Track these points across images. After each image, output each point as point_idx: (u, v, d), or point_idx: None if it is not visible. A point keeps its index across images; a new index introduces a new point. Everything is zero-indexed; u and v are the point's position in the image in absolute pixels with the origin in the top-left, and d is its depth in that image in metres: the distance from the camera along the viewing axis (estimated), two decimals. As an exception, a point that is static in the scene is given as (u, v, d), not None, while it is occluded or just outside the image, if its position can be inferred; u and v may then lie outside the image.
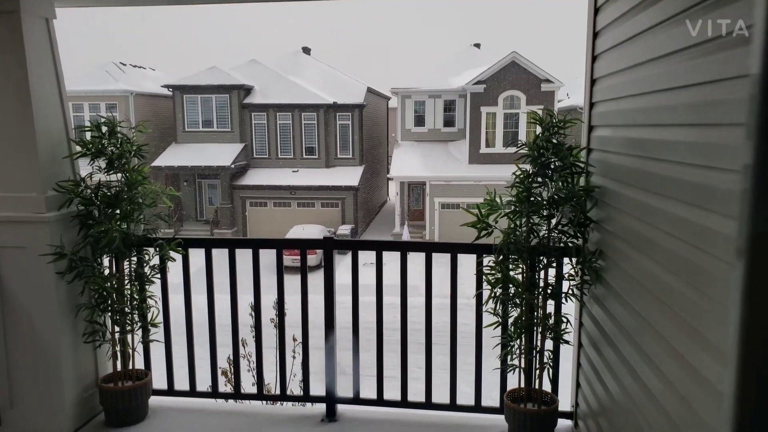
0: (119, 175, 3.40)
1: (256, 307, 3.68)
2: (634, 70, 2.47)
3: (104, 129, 3.37)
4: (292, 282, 3.54)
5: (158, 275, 3.54)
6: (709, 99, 1.78)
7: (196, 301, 3.69)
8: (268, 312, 3.74)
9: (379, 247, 3.46)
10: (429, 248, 3.43)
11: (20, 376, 3.33)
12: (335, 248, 3.46)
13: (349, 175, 25.70)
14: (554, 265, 3.09)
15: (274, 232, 23.73)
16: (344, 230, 24.06)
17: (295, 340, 4.00)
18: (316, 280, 3.56)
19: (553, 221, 3.02)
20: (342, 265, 3.79)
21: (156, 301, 3.58)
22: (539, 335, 3.08)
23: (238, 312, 3.67)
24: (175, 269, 3.62)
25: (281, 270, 3.57)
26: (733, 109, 1.64)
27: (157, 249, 3.49)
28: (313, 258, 16.37)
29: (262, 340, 3.67)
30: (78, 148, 3.39)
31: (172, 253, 3.50)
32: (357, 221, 25.65)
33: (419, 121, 27.08)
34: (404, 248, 3.45)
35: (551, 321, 3.10)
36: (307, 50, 32.28)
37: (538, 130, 3.05)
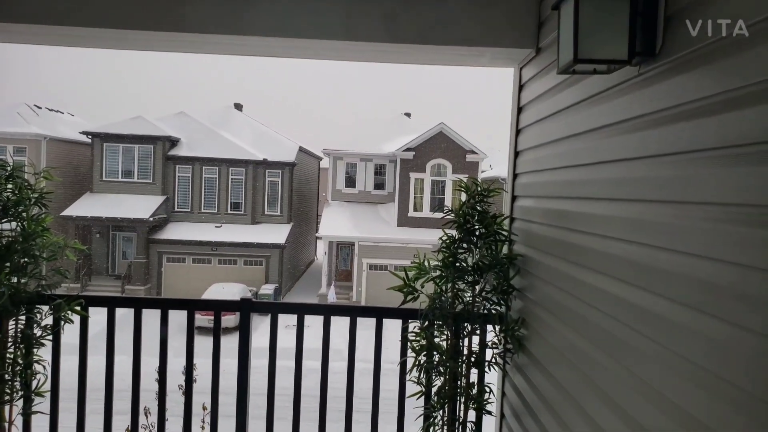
0: (15, 224, 3.09)
1: (161, 372, 3.37)
2: (557, 145, 2.57)
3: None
4: (207, 343, 3.29)
5: (50, 337, 3.18)
6: (630, 176, 1.84)
7: (95, 364, 3.34)
8: (178, 377, 3.43)
9: (301, 310, 3.29)
10: (354, 312, 3.31)
11: None
12: (253, 311, 3.26)
13: (276, 233, 25.23)
14: (478, 332, 3.05)
15: (191, 289, 22.58)
16: (267, 290, 23.32)
17: (204, 408, 3.68)
18: (233, 342, 3.33)
19: (478, 288, 3.01)
20: (263, 325, 3.58)
21: (45, 366, 3.19)
22: (462, 405, 2.99)
23: (141, 377, 3.35)
24: (72, 329, 3.27)
25: (192, 333, 3.32)
26: (651, 186, 1.71)
27: (53, 308, 3.15)
28: (232, 318, 15.60)
29: (165, 410, 3.35)
30: (-34, 193, 3.06)
31: (71, 314, 3.17)
32: (282, 280, 25.00)
33: (350, 182, 27.37)
34: (327, 312, 3.30)
35: (474, 391, 3.02)
36: (239, 106, 32.20)
37: (464, 197, 3.09)
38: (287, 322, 3.44)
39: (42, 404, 3.19)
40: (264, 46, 3.16)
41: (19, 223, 3.07)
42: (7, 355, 3.02)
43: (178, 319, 3.36)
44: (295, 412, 3.31)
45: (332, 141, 28.36)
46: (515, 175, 3.25)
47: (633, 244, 1.77)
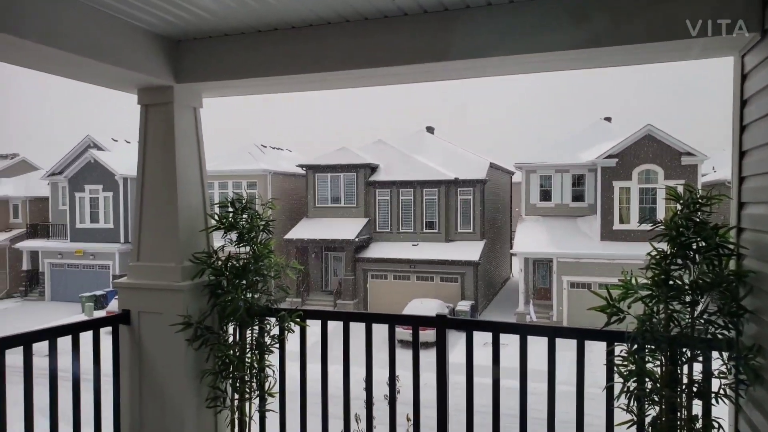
0: (248, 247, 3.62)
1: (368, 383, 3.60)
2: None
3: (237, 205, 3.64)
4: (408, 356, 3.45)
5: (277, 345, 3.64)
6: None
7: (311, 371, 3.71)
8: (383, 387, 3.64)
9: (495, 328, 3.26)
10: (552, 333, 3.17)
11: (149, 434, 3.52)
12: (448, 327, 3.33)
13: (470, 250, 25.38)
14: (700, 359, 2.69)
15: (394, 304, 23.83)
16: (464, 306, 23.48)
17: (408, 420, 3.84)
18: (431, 356, 3.44)
19: (698, 309, 2.66)
20: (460, 342, 3.63)
21: (274, 371, 3.65)
22: (685, 441, 2.65)
23: (351, 385, 3.61)
24: (293, 338, 3.70)
25: (393, 347, 3.49)
26: None
27: (278, 319, 3.60)
28: (431, 334, 15.99)
29: (373, 418, 3.56)
30: (213, 222, 3.69)
31: (292, 325, 3.59)
32: (477, 297, 24.98)
33: (545, 195, 26.35)
34: (524, 331, 3.21)
35: (698, 425, 2.66)
36: (430, 129, 33.43)
37: (678, 206, 2.77)
38: (484, 339, 3.43)
39: (272, 404, 3.64)
40: (469, 68, 3.27)
41: (251, 247, 3.59)
42: (246, 359, 3.53)
43: (381, 332, 3.58)
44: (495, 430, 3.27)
45: (525, 154, 27.61)
46: (742, 179, 2.82)
47: None
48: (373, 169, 27.98)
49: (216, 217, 3.68)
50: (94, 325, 3.42)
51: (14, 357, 2.86)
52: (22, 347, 2.92)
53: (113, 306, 22.53)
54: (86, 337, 3.32)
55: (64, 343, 3.16)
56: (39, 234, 32.62)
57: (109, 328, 3.53)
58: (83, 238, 30.43)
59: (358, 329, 3.56)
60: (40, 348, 3.01)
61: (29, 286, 31.89)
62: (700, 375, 2.69)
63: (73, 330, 3.20)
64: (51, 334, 3.06)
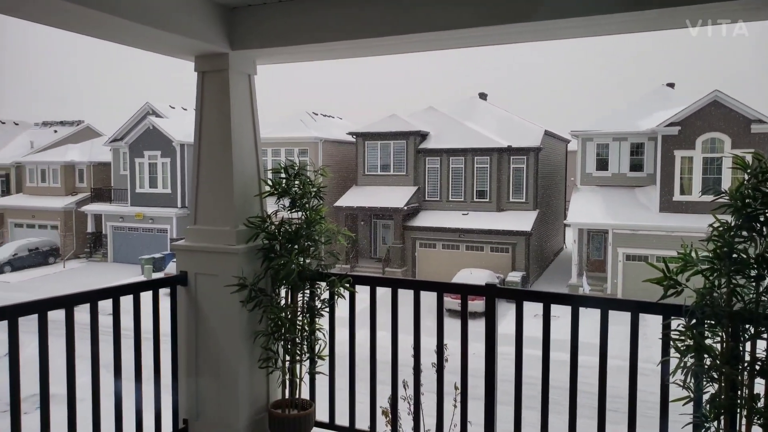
0: (300, 213, 3.68)
1: (416, 350, 3.63)
2: None
3: (290, 171, 3.69)
4: (456, 325, 3.45)
5: (327, 309, 3.71)
6: None
7: (359, 336, 3.78)
8: (431, 356, 3.67)
9: (546, 299, 3.20)
10: (605, 304, 3.09)
11: (205, 391, 3.70)
12: (497, 296, 3.30)
13: (522, 220, 24.96)
14: (765, 336, 2.57)
15: (442, 273, 23.86)
16: (514, 277, 23.26)
17: (456, 388, 3.87)
18: (480, 326, 3.43)
19: (764, 284, 2.52)
20: (510, 312, 3.61)
21: (324, 334, 3.74)
22: (744, 419, 2.56)
23: (398, 352, 3.65)
24: (342, 304, 3.76)
25: (441, 315, 3.50)
26: None
27: (329, 284, 3.67)
28: (480, 304, 15.96)
29: (420, 385, 3.61)
30: (267, 188, 3.75)
31: (342, 290, 3.65)
32: (528, 268, 24.66)
33: (601, 164, 25.45)
34: (576, 303, 3.15)
35: (760, 404, 2.56)
36: (483, 96, 32.65)
37: (746, 176, 2.62)
38: (534, 311, 3.39)
39: (322, 366, 3.74)
40: (536, 30, 3.12)
41: (304, 213, 3.65)
42: (297, 322, 3.62)
43: (428, 301, 3.59)
44: (544, 403, 3.24)
45: (581, 121, 26.64)
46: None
47: None
48: (423, 136, 27.72)
49: (269, 183, 3.74)
50: (154, 286, 3.59)
51: (81, 315, 3.04)
52: (89, 305, 3.10)
53: (170, 268, 23.60)
54: (146, 298, 3.49)
55: (126, 303, 3.33)
56: (102, 198, 34.33)
57: (168, 289, 3.70)
58: (142, 203, 31.84)
59: (405, 297, 3.58)
60: (104, 307, 3.20)
61: (93, 248, 33.78)
62: (764, 353, 2.57)
63: (135, 290, 3.37)
64: (114, 293, 3.24)
